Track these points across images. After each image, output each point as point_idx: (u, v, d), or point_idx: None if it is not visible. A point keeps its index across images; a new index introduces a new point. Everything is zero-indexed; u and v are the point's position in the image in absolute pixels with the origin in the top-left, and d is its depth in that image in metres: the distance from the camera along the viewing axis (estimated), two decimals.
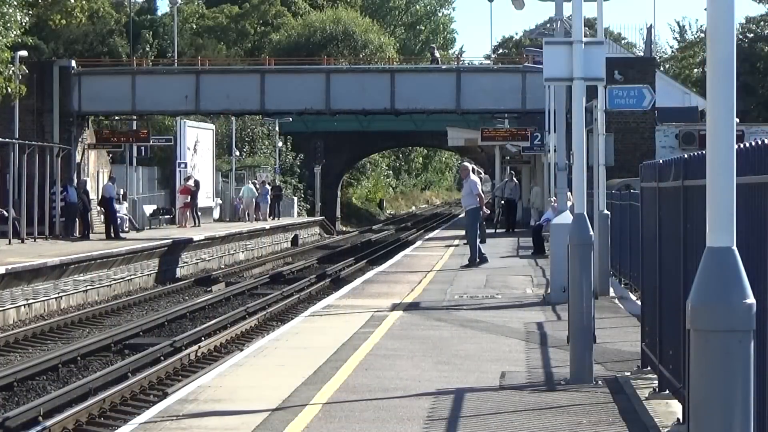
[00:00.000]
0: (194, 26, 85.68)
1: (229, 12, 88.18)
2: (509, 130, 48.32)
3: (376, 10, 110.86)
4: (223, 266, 42.49)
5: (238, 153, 63.55)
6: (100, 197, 42.15)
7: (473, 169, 33.44)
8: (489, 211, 29.69)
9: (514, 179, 47.38)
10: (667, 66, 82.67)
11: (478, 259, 26.84)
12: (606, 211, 20.75)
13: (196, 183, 50.56)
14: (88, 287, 30.20)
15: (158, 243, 36.74)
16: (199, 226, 48.97)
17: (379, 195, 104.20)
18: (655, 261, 11.19)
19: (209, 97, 44.45)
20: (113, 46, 73.59)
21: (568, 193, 19.48)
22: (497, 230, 44.31)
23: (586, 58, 12.48)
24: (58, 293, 28.30)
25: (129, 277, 33.48)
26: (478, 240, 27.24)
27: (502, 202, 46.55)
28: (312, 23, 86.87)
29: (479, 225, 36.61)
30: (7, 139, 36.64)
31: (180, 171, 51.63)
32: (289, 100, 44.46)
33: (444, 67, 51.85)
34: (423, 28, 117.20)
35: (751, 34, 68.25)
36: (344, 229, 76.37)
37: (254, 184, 58.26)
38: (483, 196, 26.96)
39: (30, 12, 35.20)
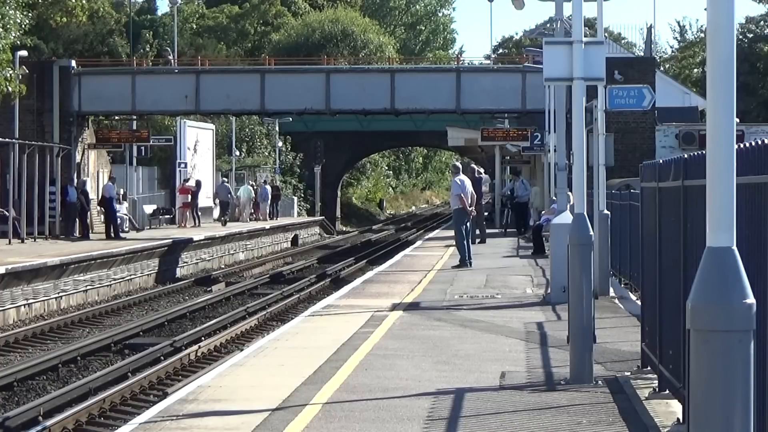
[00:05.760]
0: (194, 26, 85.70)
1: (229, 12, 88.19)
2: (509, 130, 48.25)
3: (376, 10, 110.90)
4: (223, 266, 42.50)
5: (238, 153, 63.57)
6: (100, 197, 42.21)
7: (472, 169, 33.33)
8: (476, 212, 29.22)
9: (522, 179, 46.21)
10: (667, 66, 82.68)
11: (468, 259, 26.70)
12: (606, 211, 20.74)
13: (198, 183, 50.58)
14: (88, 287, 30.20)
15: (158, 243, 36.75)
16: (199, 226, 48.99)
17: (379, 195, 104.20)
18: (655, 261, 11.19)
19: (209, 97, 44.44)
20: (113, 46, 73.62)
21: (569, 193, 19.48)
22: (507, 231, 43.69)
23: (586, 58, 12.48)
24: (58, 293, 28.30)
25: (129, 277, 33.49)
26: (467, 241, 26.92)
27: (509, 203, 45.66)
28: (311, 23, 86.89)
29: (480, 225, 36.37)
30: (7, 139, 36.65)
31: (180, 171, 51.66)
32: (289, 100, 44.45)
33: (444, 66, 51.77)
34: (423, 28, 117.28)
35: (751, 34, 68.24)
36: (344, 229, 76.40)
37: (252, 185, 58.30)
38: (465, 196, 26.44)
39: (30, 15, 35.17)
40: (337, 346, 14.39)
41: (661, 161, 11.27)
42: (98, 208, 43.27)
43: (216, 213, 57.15)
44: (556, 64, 12.67)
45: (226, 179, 54.03)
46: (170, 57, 51.61)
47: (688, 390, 5.43)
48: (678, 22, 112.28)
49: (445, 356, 13.53)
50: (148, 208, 50.44)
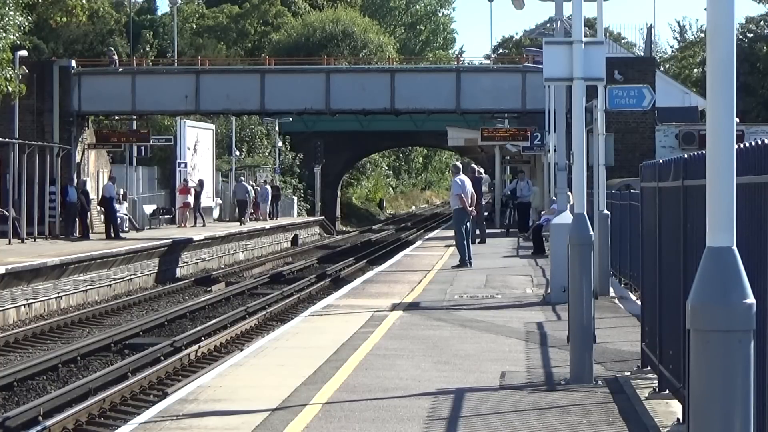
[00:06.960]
0: (194, 26, 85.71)
1: (229, 12, 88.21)
2: (509, 130, 48.21)
3: (376, 10, 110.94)
4: (223, 266, 42.50)
5: (238, 153, 63.58)
6: (100, 197, 42.22)
7: (473, 169, 33.32)
8: (476, 212, 29.20)
9: (527, 179, 45.67)
10: (667, 66, 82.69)
11: (468, 259, 26.67)
12: (606, 211, 20.74)
13: (200, 183, 50.59)
14: (88, 287, 30.20)
15: (158, 243, 36.75)
16: (204, 225, 49.01)
17: (379, 195, 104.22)
18: (655, 261, 11.19)
19: (209, 97, 44.43)
20: (113, 46, 73.62)
21: (569, 193, 19.48)
22: (509, 231, 43.35)
23: (586, 58, 12.48)
24: (58, 293, 28.30)
25: (129, 277, 33.49)
26: (467, 241, 26.86)
27: (512, 203, 45.23)
28: (311, 23, 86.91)
29: (480, 225, 36.31)
30: (7, 139, 36.65)
31: (180, 171, 51.66)
32: (289, 100, 44.44)
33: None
34: (423, 28, 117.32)
35: (751, 34, 68.24)
36: (344, 229, 76.40)
37: (252, 185, 58.26)
38: (465, 196, 26.40)
39: (29, 17, 35.15)
40: (337, 346, 14.39)
41: (661, 161, 11.27)
42: (98, 208, 43.27)
43: (216, 213, 57.19)
44: (556, 64, 12.66)
45: (243, 178, 54.52)
46: (114, 57, 51.24)
47: (688, 390, 5.43)
48: (678, 22, 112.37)
49: (445, 356, 13.53)
50: (148, 208, 50.43)
